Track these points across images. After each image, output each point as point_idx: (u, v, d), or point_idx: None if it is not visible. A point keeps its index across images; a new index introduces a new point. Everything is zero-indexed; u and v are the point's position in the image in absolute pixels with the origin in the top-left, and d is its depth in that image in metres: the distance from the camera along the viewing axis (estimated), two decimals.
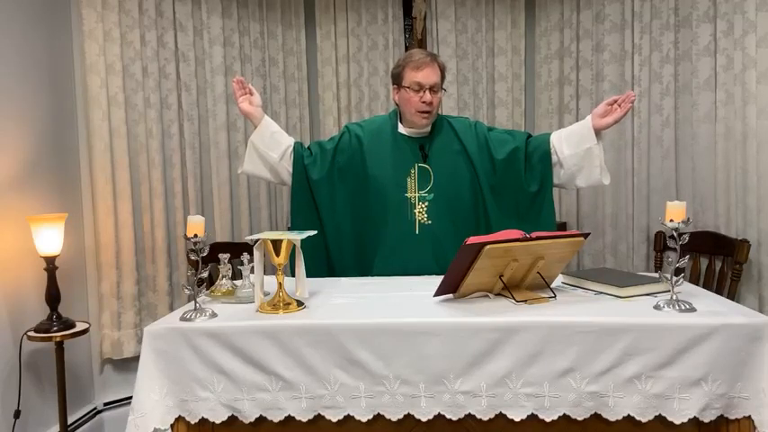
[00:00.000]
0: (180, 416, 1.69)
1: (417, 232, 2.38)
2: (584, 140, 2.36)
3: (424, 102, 2.35)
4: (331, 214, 2.45)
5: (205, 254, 1.74)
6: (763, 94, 2.82)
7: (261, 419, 1.67)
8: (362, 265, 2.42)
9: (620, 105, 2.31)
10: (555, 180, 2.45)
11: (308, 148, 2.53)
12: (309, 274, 2.14)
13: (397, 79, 2.42)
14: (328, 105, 3.82)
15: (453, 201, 2.41)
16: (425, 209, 2.39)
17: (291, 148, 2.48)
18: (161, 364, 1.68)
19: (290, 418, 1.66)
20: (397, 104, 2.49)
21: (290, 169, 2.48)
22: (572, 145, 2.39)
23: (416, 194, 2.41)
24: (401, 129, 2.48)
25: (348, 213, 2.45)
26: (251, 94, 2.45)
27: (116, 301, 3.08)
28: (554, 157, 2.42)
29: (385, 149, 2.45)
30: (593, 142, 2.35)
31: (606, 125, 2.34)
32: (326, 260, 2.47)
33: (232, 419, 1.68)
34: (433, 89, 2.35)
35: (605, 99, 2.60)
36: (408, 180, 2.42)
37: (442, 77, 2.42)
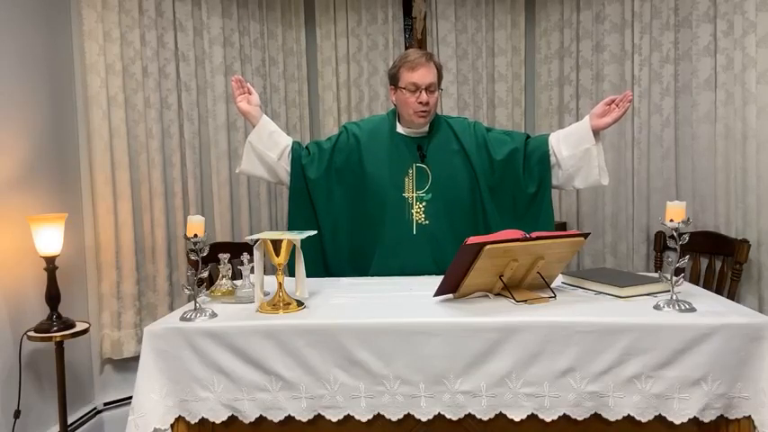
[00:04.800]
0: (180, 416, 1.69)
1: (414, 232, 2.37)
2: (583, 141, 2.35)
3: (420, 102, 2.34)
4: (328, 214, 2.45)
5: (205, 254, 1.74)
6: (763, 94, 2.82)
7: (261, 419, 1.67)
8: (359, 265, 2.41)
9: (617, 105, 2.30)
10: (554, 181, 2.44)
11: (306, 147, 2.53)
12: (305, 274, 2.14)
13: (393, 80, 2.41)
14: (328, 105, 3.82)
15: (451, 201, 2.40)
16: (423, 209, 2.38)
17: (290, 148, 2.47)
18: (161, 364, 1.68)
19: (290, 418, 1.66)
20: (394, 104, 2.48)
21: (289, 169, 2.47)
22: (570, 146, 2.38)
23: (414, 194, 2.40)
24: (399, 128, 2.47)
25: (345, 213, 2.45)
26: (249, 93, 2.45)
27: (116, 301, 3.08)
28: (552, 159, 2.41)
29: (382, 149, 2.44)
30: (592, 143, 2.34)
31: (605, 125, 2.33)
32: (323, 260, 2.46)
33: (232, 419, 1.68)
34: (429, 89, 2.34)
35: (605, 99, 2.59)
36: (406, 180, 2.41)
37: (440, 77, 2.40)
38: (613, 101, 2.32)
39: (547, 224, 2.41)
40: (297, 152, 2.47)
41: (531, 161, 2.42)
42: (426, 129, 2.45)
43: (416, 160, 2.42)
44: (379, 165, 2.42)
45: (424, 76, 2.33)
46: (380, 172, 2.42)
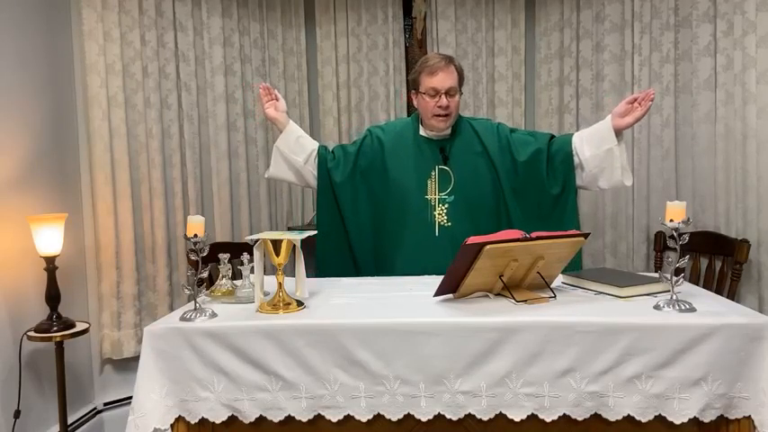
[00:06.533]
0: (180, 416, 1.69)
1: (437, 234, 2.39)
2: (605, 141, 2.34)
3: (440, 107, 2.36)
4: (353, 216, 2.49)
5: (205, 254, 1.74)
6: (763, 94, 2.82)
7: (261, 419, 1.67)
8: (384, 267, 2.44)
9: (639, 104, 2.29)
10: (578, 182, 2.44)
11: (332, 151, 2.57)
12: (337, 273, 2.19)
13: (414, 84, 2.45)
14: (328, 105, 3.82)
15: (474, 202, 2.41)
16: (445, 211, 2.40)
17: (316, 152, 2.52)
18: (161, 364, 1.68)
19: (290, 418, 1.66)
20: (416, 108, 2.51)
21: (315, 173, 2.51)
22: (593, 146, 2.37)
23: (436, 196, 2.42)
24: (422, 131, 2.50)
25: (370, 215, 2.49)
26: (276, 99, 2.49)
27: (116, 301, 3.08)
28: (576, 159, 2.41)
29: (406, 152, 2.47)
30: (614, 143, 2.32)
31: (627, 125, 2.31)
32: (353, 260, 2.50)
33: (232, 419, 1.68)
34: (449, 93, 2.36)
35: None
36: (429, 182, 2.43)
37: (461, 79, 2.42)
38: (636, 99, 2.30)
39: (571, 225, 2.40)
40: (323, 156, 2.52)
41: (554, 162, 2.42)
42: (449, 131, 2.47)
43: (439, 162, 2.44)
44: (402, 167, 2.46)
45: (443, 80, 2.36)
46: (404, 174, 2.45)
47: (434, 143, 2.47)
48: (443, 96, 2.36)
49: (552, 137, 2.50)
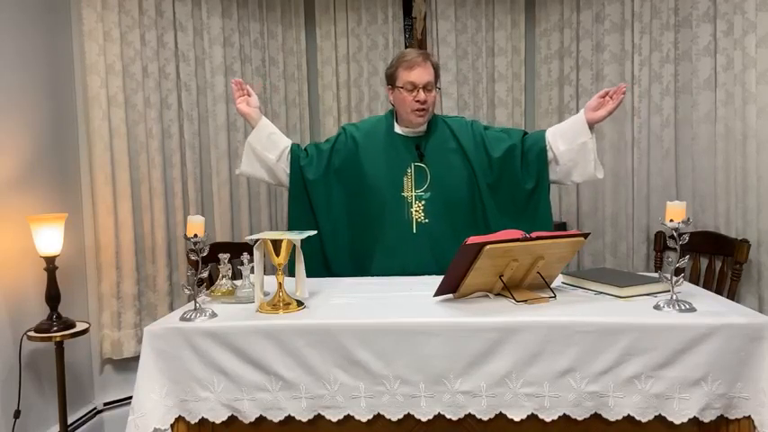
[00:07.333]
0: (180, 416, 1.69)
1: (414, 231, 2.38)
2: (579, 135, 2.36)
3: (417, 101, 2.36)
4: (327, 215, 2.46)
5: (205, 254, 1.74)
6: (763, 94, 2.82)
7: (261, 419, 1.67)
8: (361, 266, 2.41)
9: (611, 97, 2.31)
10: (552, 176, 2.45)
11: (305, 149, 2.54)
12: (306, 275, 2.14)
13: (390, 80, 2.43)
14: (328, 105, 3.83)
15: (450, 199, 2.41)
16: (422, 207, 2.40)
17: (288, 150, 2.48)
18: (161, 364, 1.68)
19: (290, 418, 1.66)
20: (392, 105, 2.49)
21: (288, 171, 2.48)
22: (567, 140, 2.39)
23: (413, 193, 2.41)
24: (397, 128, 2.48)
25: (344, 214, 2.46)
26: (249, 95, 2.47)
27: (116, 301, 3.08)
28: (550, 154, 2.42)
29: (381, 149, 2.46)
30: (588, 137, 2.35)
31: (600, 118, 2.34)
32: (323, 261, 2.46)
33: (232, 419, 1.68)
34: (426, 88, 2.36)
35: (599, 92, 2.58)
36: (405, 179, 2.42)
37: (437, 76, 2.42)
38: (607, 93, 2.33)
39: (545, 220, 2.43)
40: (295, 154, 2.48)
41: (528, 157, 2.44)
42: (424, 128, 2.46)
43: (415, 159, 2.43)
44: (377, 165, 2.43)
45: (421, 75, 2.35)
46: (379, 172, 2.43)
47: (410, 140, 2.46)
48: (421, 91, 2.35)
49: (525, 133, 2.52)
